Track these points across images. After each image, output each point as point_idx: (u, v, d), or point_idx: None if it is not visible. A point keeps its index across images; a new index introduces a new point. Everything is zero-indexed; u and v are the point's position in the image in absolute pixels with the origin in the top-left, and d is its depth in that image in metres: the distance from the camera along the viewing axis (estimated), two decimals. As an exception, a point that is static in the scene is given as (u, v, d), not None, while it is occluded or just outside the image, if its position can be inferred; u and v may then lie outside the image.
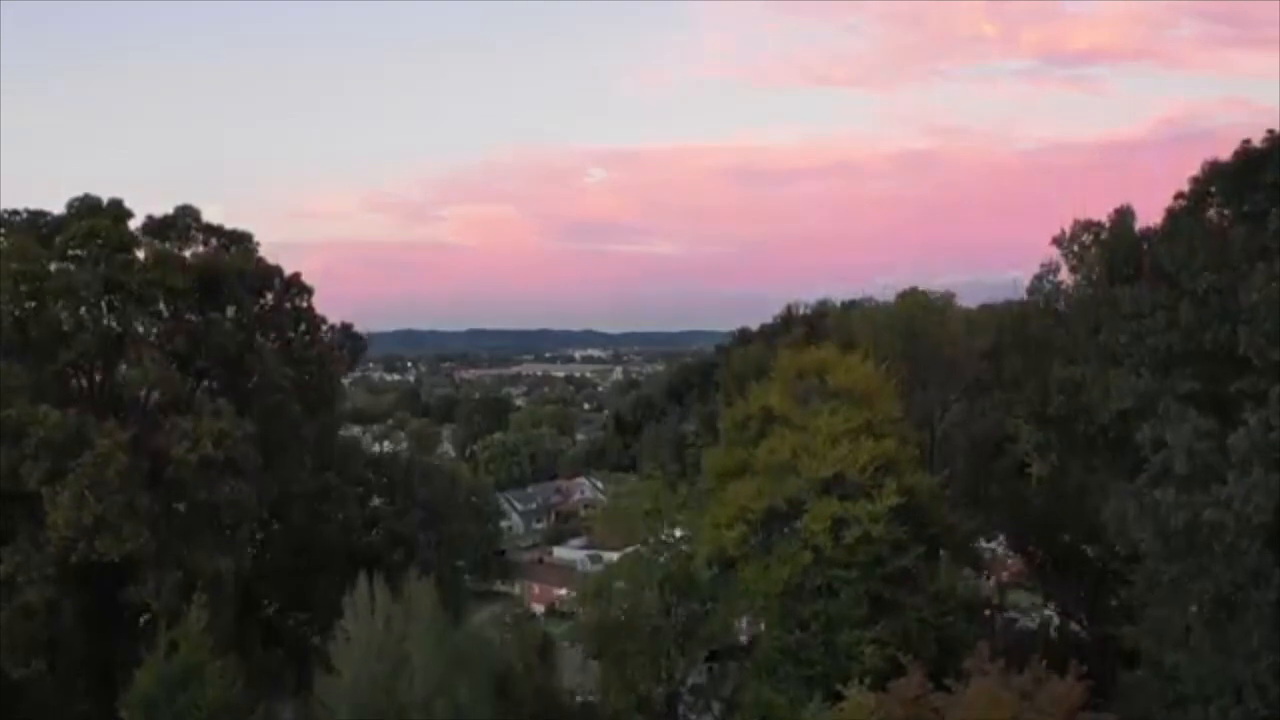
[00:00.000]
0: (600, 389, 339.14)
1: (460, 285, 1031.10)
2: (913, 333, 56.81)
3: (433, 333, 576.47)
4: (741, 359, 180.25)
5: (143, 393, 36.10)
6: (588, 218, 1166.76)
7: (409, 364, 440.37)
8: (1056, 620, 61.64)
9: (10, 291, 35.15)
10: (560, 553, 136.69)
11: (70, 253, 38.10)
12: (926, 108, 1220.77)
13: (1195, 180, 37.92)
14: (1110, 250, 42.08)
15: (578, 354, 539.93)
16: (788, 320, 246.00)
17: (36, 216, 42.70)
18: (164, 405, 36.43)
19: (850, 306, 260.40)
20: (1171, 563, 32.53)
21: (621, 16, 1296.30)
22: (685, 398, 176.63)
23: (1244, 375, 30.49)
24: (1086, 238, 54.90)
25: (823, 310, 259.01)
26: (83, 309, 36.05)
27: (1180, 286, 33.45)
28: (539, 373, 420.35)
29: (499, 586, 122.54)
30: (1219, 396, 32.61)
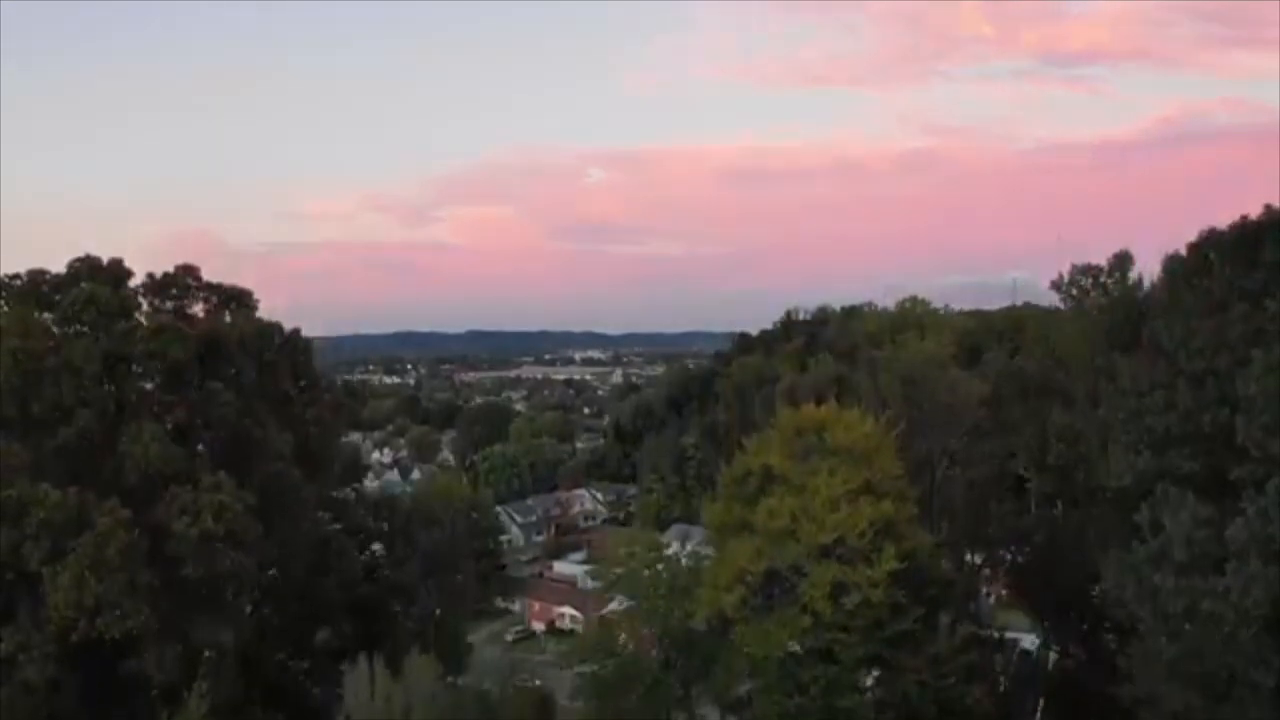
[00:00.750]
0: (600, 392, 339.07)
1: (459, 286, 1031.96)
2: (912, 379, 56.79)
3: (432, 334, 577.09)
4: (742, 368, 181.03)
5: (143, 466, 36.06)
6: (587, 218, 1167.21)
7: (409, 366, 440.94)
8: (1055, 656, 62.05)
9: (9, 369, 35.12)
10: (560, 567, 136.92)
11: (70, 326, 38.02)
12: (926, 108, 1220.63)
13: (1193, 247, 38.05)
14: (1109, 314, 42.04)
15: (578, 355, 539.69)
16: (787, 326, 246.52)
17: (37, 276, 42.70)
18: (164, 478, 36.43)
19: (850, 312, 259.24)
20: (1170, 642, 32.66)
21: (621, 16, 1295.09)
22: (685, 408, 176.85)
23: (1243, 461, 30.52)
24: (1085, 281, 55.13)
25: (823, 316, 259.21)
26: (82, 385, 35.96)
27: (1178, 365, 33.51)
28: (539, 375, 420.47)
29: (499, 603, 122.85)
30: (1218, 475, 32.67)
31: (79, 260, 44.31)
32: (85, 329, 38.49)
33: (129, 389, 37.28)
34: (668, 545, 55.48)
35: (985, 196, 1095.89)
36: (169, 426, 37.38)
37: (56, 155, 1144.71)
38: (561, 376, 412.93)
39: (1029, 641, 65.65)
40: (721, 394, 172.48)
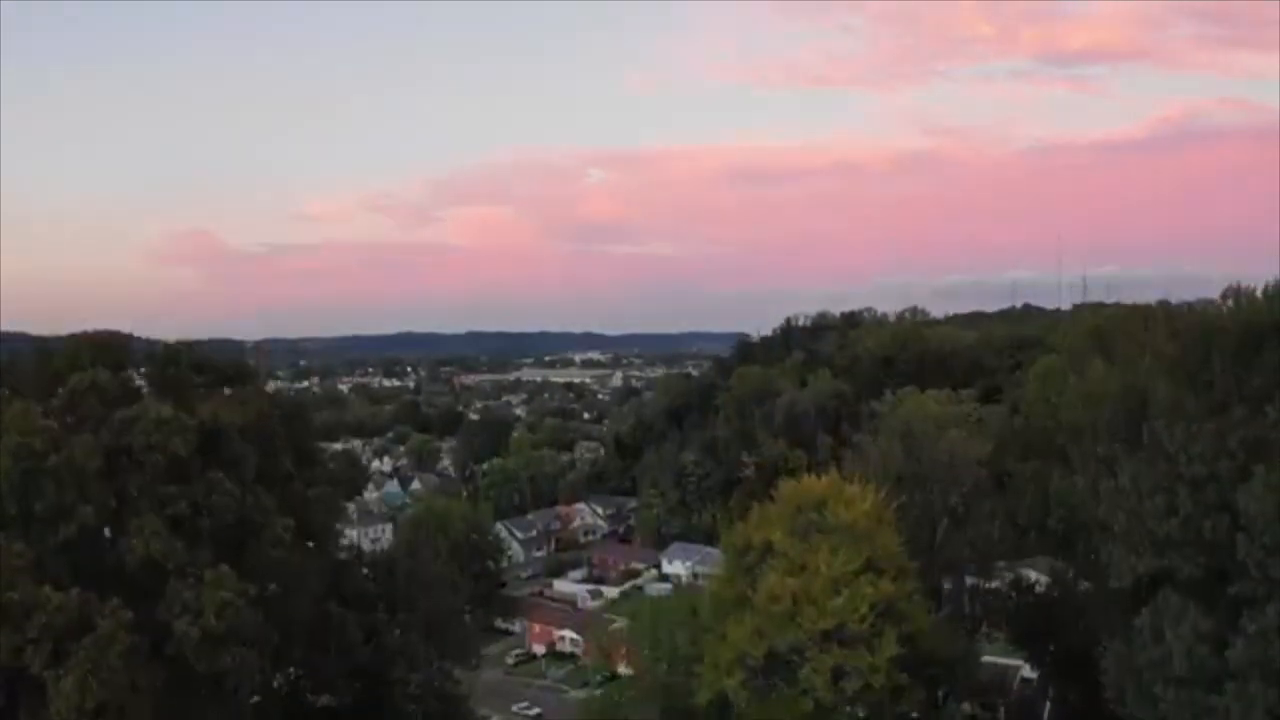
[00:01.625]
0: (600, 395, 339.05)
1: (459, 287, 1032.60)
2: (911, 434, 56.93)
3: (432, 335, 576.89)
4: (742, 380, 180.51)
5: (144, 560, 36.08)
6: (587, 219, 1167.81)
7: (408, 369, 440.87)
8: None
9: (10, 468, 35.12)
10: (560, 585, 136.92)
11: (72, 414, 38.04)
12: (925, 108, 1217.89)
13: (1195, 339, 38.06)
14: (1111, 410, 41.86)
15: (577, 357, 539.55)
16: (787, 334, 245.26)
17: (43, 345, 42.69)
18: (166, 571, 36.44)
19: (850, 319, 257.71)
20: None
21: (621, 17, 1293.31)
22: (685, 420, 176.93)
23: (1244, 576, 30.57)
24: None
25: (823, 322, 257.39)
26: (84, 482, 35.96)
27: (1179, 469, 33.51)
28: (539, 378, 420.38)
29: (499, 623, 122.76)
30: (1219, 579, 32.69)
31: (83, 336, 44.47)
32: (87, 418, 38.32)
33: (130, 483, 37.23)
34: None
35: (985, 196, 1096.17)
36: (170, 517, 37.32)
37: (57, 155, 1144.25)
38: (561, 379, 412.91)
39: (1029, 670, 65.66)
40: (722, 407, 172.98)
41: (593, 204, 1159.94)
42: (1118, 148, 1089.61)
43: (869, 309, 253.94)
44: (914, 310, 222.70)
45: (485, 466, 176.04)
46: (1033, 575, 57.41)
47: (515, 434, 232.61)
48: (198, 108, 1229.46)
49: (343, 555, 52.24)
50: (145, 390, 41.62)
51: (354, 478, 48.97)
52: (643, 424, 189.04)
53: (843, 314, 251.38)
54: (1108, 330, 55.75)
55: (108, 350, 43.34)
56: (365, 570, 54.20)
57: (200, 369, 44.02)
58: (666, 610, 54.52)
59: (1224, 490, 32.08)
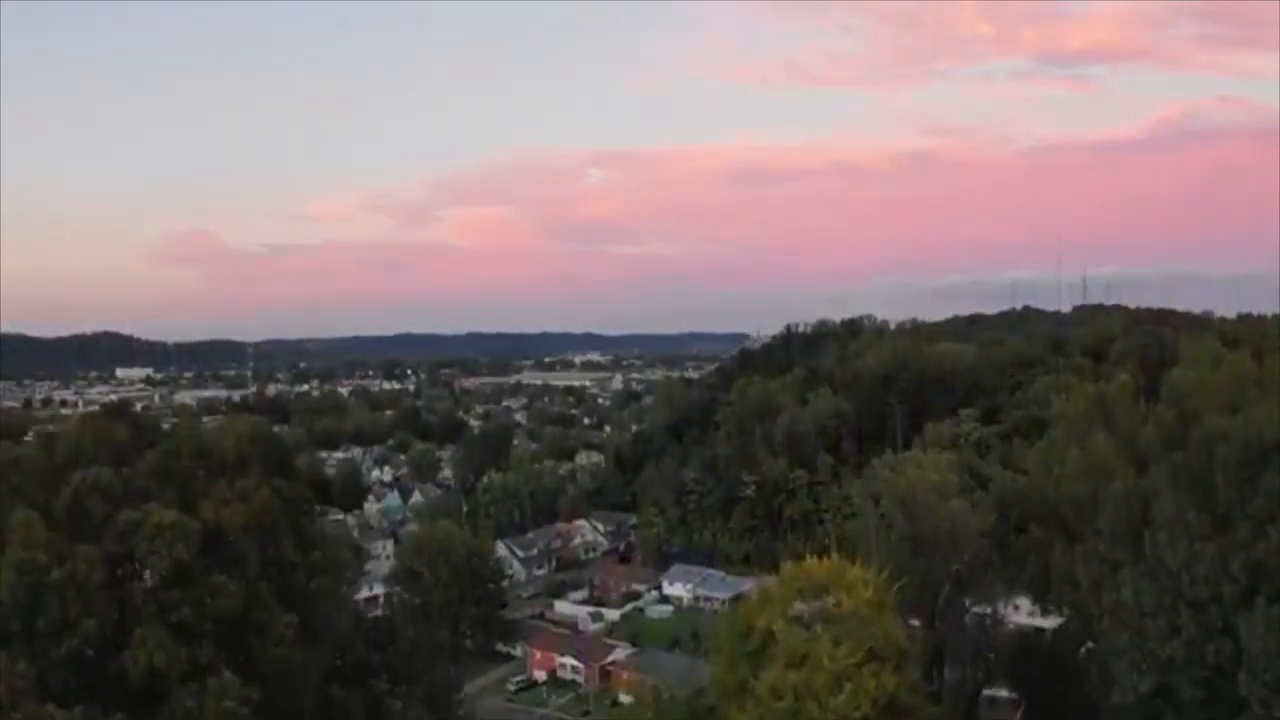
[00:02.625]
0: (600, 400, 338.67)
1: (459, 287, 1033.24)
2: (913, 500, 56.89)
3: (432, 335, 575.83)
4: (742, 395, 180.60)
5: (147, 670, 36.14)
6: (587, 219, 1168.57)
7: (408, 371, 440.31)
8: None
9: (13, 584, 35.14)
10: (561, 607, 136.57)
11: (75, 515, 38.05)
12: (925, 108, 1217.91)
13: (1199, 442, 38.02)
14: (1113, 510, 41.70)
15: (577, 358, 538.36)
16: (787, 342, 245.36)
17: (50, 441, 42.74)
18: (169, 680, 36.51)
19: (851, 326, 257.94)
20: None
21: (621, 17, 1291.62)
22: (685, 434, 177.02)
23: (1244, 709, 30.60)
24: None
25: (823, 329, 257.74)
26: (86, 595, 35.99)
27: (1180, 588, 33.54)
28: (539, 381, 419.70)
29: (500, 647, 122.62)
30: (1220, 701, 32.77)
31: (88, 417, 44.48)
32: (91, 520, 38.36)
33: (133, 591, 37.30)
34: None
35: (985, 196, 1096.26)
36: (173, 623, 37.37)
37: (57, 155, 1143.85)
38: (561, 382, 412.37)
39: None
40: (722, 423, 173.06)
41: (593, 204, 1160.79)
42: (1118, 148, 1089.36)
43: (869, 316, 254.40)
44: (914, 322, 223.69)
45: (485, 482, 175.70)
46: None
47: (516, 443, 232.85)
48: (198, 108, 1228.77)
49: (344, 625, 52.39)
50: (148, 485, 41.59)
51: (357, 562, 48.90)
52: (643, 437, 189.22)
53: (843, 321, 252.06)
54: (1110, 400, 55.71)
55: (110, 438, 43.40)
56: (367, 635, 54.46)
57: (202, 455, 44.06)
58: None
59: (1227, 613, 32.11)
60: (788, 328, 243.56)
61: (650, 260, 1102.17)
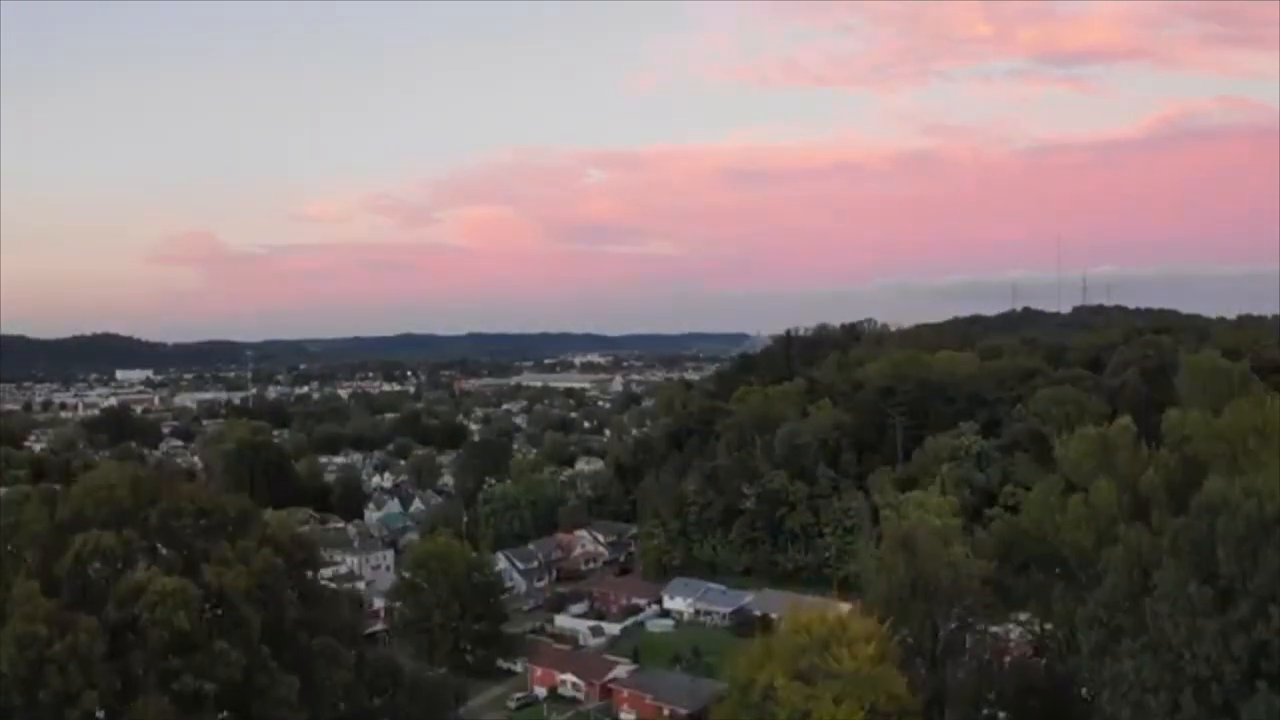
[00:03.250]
0: (600, 402, 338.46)
1: (460, 288, 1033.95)
2: (914, 542, 56.85)
3: (432, 336, 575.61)
4: (742, 404, 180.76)
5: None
6: (587, 219, 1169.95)
7: (409, 373, 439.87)
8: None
9: (14, 657, 35.15)
10: (561, 621, 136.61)
11: (73, 586, 38.05)
12: (925, 108, 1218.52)
13: (1200, 508, 37.94)
14: (1113, 580, 41.60)
15: (577, 360, 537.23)
16: (787, 349, 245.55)
17: (51, 499, 42.78)
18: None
19: (851, 331, 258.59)
20: None
21: (621, 17, 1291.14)
22: (686, 443, 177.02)
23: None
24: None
25: (823, 334, 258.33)
26: (88, 667, 36.01)
27: (1181, 665, 33.53)
28: (539, 383, 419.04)
29: (500, 663, 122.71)
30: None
31: (93, 482, 44.52)
32: (93, 587, 38.36)
33: (135, 661, 37.32)
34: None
35: (985, 196, 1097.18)
36: (175, 691, 37.41)
37: (57, 155, 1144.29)
38: (561, 385, 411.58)
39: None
40: (722, 433, 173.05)
41: (593, 204, 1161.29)
42: (1117, 147, 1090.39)
43: (869, 320, 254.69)
44: (914, 327, 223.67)
45: (485, 492, 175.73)
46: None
47: (516, 447, 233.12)
48: (198, 108, 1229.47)
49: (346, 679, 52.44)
50: (150, 547, 41.64)
51: (358, 618, 48.90)
52: (643, 446, 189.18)
53: (843, 326, 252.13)
54: (1111, 443, 55.69)
55: (112, 496, 43.40)
56: (370, 683, 54.56)
57: (203, 514, 44.04)
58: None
59: (1228, 692, 32.11)
60: (788, 332, 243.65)
61: (650, 260, 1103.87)
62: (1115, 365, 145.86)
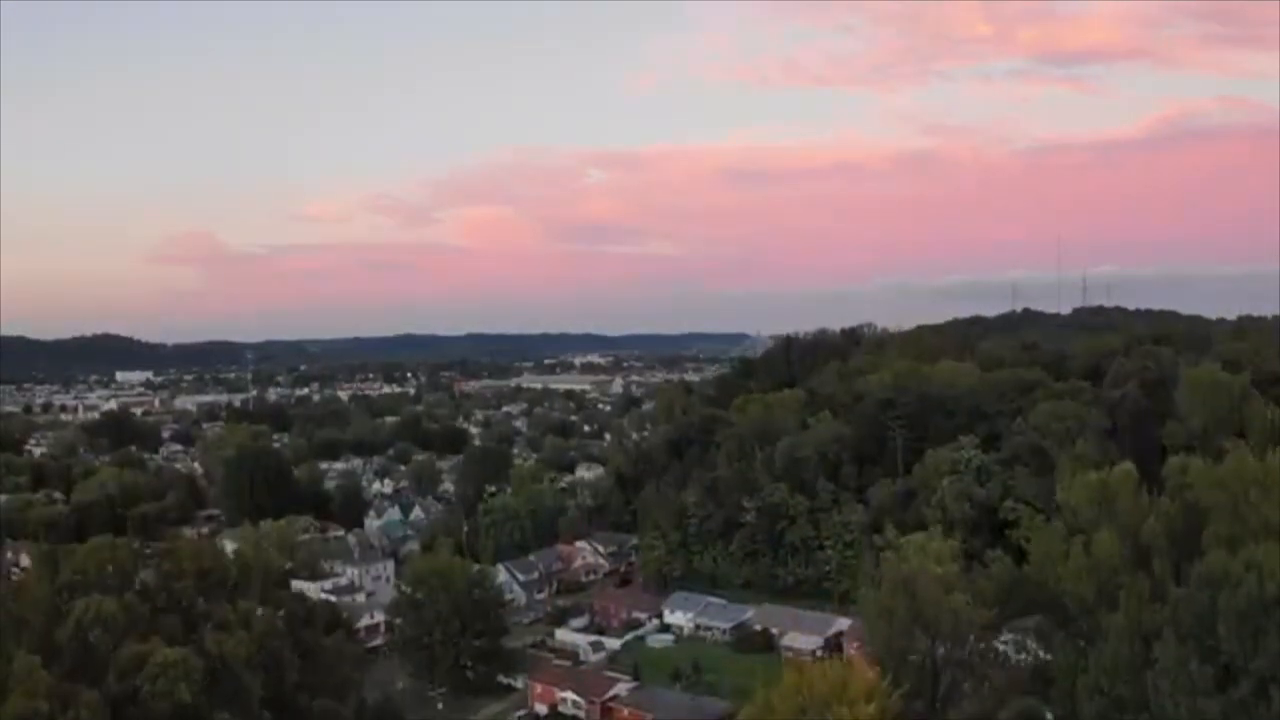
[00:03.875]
0: (601, 404, 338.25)
1: (460, 288, 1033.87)
2: (914, 583, 56.81)
3: (433, 337, 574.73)
4: (742, 414, 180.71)
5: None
6: (587, 219, 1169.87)
7: (409, 374, 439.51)
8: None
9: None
10: (561, 635, 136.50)
11: (74, 652, 38.05)
12: (925, 108, 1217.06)
13: (1201, 580, 37.96)
14: (1114, 649, 41.54)
15: (578, 360, 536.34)
16: (787, 353, 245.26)
17: (53, 561, 42.79)
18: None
19: (851, 335, 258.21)
20: None
21: (621, 17, 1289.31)
22: (685, 454, 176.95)
23: None
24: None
25: (823, 339, 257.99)
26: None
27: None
28: (539, 385, 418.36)
29: (501, 679, 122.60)
30: None
31: (96, 543, 44.51)
32: (94, 654, 38.37)
33: (136, 735, 37.40)
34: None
35: (985, 196, 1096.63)
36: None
37: (57, 155, 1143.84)
38: (561, 386, 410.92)
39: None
40: (722, 444, 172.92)
41: (593, 204, 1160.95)
42: (1117, 147, 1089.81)
43: (869, 324, 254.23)
44: (915, 329, 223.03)
45: (486, 503, 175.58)
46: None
47: (516, 452, 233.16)
48: (198, 108, 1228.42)
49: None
50: (151, 612, 41.67)
51: (359, 678, 48.86)
52: (643, 455, 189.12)
53: (843, 330, 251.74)
54: (1112, 490, 55.64)
55: (114, 557, 43.41)
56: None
57: (202, 575, 44.06)
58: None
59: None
60: (788, 337, 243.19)
61: (650, 260, 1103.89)
62: (1115, 377, 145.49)
